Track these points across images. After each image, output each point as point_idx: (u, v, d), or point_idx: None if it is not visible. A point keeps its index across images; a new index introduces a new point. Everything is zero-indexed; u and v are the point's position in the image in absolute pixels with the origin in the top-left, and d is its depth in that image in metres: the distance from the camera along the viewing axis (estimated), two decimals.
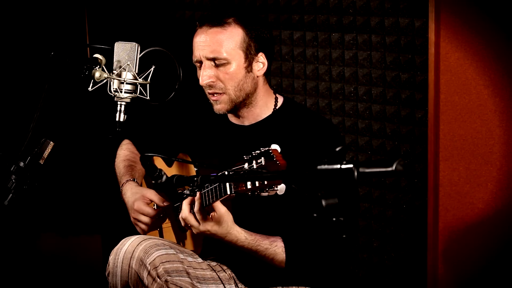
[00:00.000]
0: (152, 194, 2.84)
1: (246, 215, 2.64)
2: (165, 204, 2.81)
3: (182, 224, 2.56)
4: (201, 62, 2.69)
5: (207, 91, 2.71)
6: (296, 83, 3.65)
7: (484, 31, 3.03)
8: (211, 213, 2.50)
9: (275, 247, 2.61)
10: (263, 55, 2.72)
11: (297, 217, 2.61)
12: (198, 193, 2.48)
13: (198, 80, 2.73)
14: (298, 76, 3.64)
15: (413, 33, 3.21)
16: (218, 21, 2.67)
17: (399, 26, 3.25)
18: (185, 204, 2.54)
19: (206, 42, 2.67)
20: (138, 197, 2.86)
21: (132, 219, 2.89)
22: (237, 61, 2.67)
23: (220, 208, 2.50)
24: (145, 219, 2.83)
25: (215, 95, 2.70)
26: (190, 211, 2.53)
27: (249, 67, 2.70)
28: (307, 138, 2.68)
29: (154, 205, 2.88)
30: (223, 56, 2.65)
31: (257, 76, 2.73)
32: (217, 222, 2.51)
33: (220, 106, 2.71)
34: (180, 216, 2.56)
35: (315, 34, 3.55)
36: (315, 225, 2.57)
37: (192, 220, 2.53)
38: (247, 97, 2.72)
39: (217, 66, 2.67)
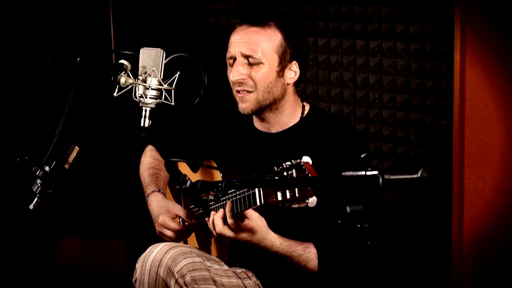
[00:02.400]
0: (178, 210, 2.84)
1: (275, 224, 2.62)
2: (193, 221, 2.81)
3: (215, 234, 2.53)
4: (235, 59, 2.69)
5: (236, 88, 2.70)
6: (321, 89, 3.65)
7: (509, 39, 3.02)
8: (245, 221, 2.49)
9: (309, 253, 2.60)
10: (297, 64, 2.72)
11: (328, 225, 2.60)
12: (228, 205, 2.47)
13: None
14: (322, 82, 3.64)
15: (438, 40, 3.19)
16: (259, 22, 2.68)
17: (424, 33, 3.24)
18: (218, 219, 2.50)
19: (243, 39, 2.67)
20: (163, 211, 2.85)
21: (157, 232, 2.89)
22: (270, 63, 2.67)
23: (252, 214, 2.48)
24: (170, 233, 2.83)
25: (243, 92, 2.69)
26: (224, 224, 2.50)
27: (281, 72, 2.69)
28: (335, 147, 2.67)
29: (179, 221, 2.88)
30: (258, 56, 2.65)
31: (287, 84, 2.72)
32: (252, 228, 2.49)
33: (245, 104, 2.70)
34: (212, 229, 2.54)
35: (340, 41, 3.55)
36: (341, 231, 2.56)
37: (227, 232, 2.50)
38: (274, 101, 2.71)
39: (250, 64, 2.66)
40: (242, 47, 2.66)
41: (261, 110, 2.73)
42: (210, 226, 2.55)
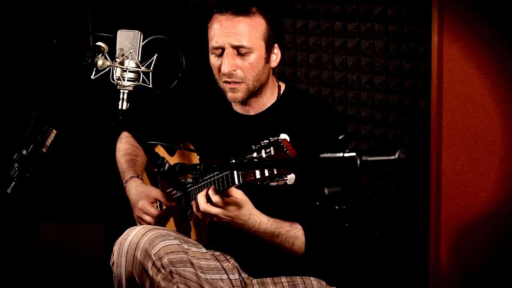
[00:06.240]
0: (157, 194, 2.84)
1: (254, 204, 2.61)
2: (172, 203, 2.80)
3: (200, 216, 2.51)
4: (223, 49, 2.67)
5: (225, 79, 2.68)
6: (299, 71, 3.64)
7: (487, 20, 3.03)
8: (230, 197, 2.44)
9: (296, 230, 2.59)
10: (277, 45, 2.72)
11: (307, 204, 2.59)
12: (212, 187, 2.45)
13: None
14: (300, 64, 3.63)
15: (416, 21, 3.20)
16: (244, 10, 2.64)
17: (402, 15, 3.24)
18: (201, 197, 2.47)
19: (232, 30, 2.64)
20: (143, 196, 2.85)
21: (135, 217, 2.89)
22: (259, 51, 2.66)
23: (236, 191, 2.44)
24: (149, 219, 2.82)
25: (233, 83, 2.68)
26: (208, 202, 2.47)
27: (268, 58, 2.69)
28: (312, 125, 2.67)
29: (157, 206, 2.87)
30: (248, 46, 2.63)
31: (271, 67, 2.73)
32: (238, 203, 2.45)
33: (236, 94, 2.69)
34: (196, 209, 2.52)
35: (318, 22, 3.54)
36: (319, 213, 2.56)
37: (212, 209, 2.46)
38: (260, 87, 2.72)
39: (239, 55, 2.65)
40: (231, 38, 2.64)
41: (250, 97, 2.73)
42: (194, 206, 2.53)
